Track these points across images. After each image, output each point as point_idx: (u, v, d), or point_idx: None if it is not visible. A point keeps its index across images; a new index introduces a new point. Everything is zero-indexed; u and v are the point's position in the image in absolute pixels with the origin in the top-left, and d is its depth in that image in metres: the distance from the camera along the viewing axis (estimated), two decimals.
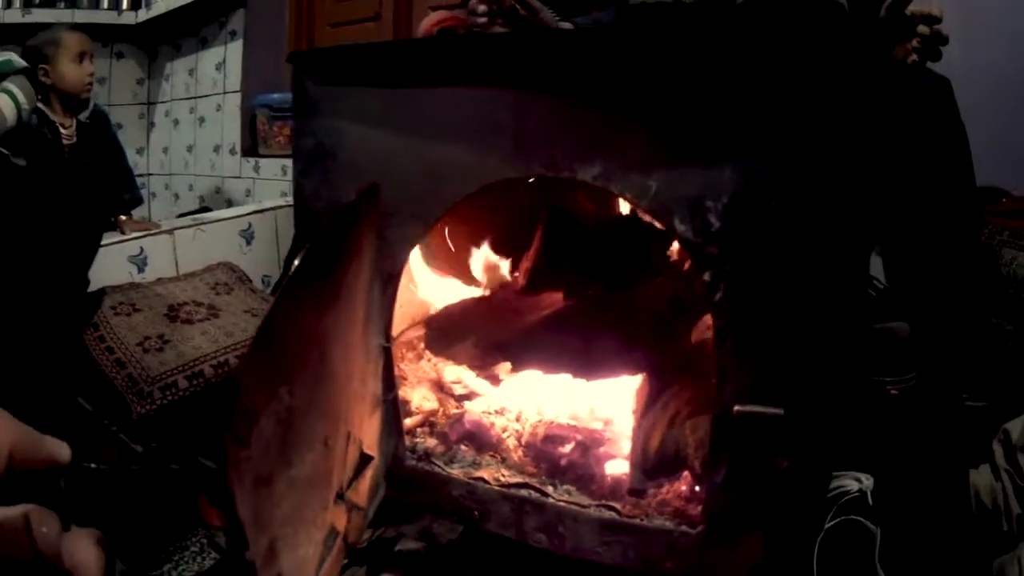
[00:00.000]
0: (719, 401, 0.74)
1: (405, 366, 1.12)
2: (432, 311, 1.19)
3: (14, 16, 3.64)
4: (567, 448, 0.97)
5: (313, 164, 0.98)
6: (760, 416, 0.70)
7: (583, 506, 0.89)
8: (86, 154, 2.48)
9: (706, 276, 0.70)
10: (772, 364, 0.71)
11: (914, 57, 1.23)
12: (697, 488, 0.84)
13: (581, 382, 1.01)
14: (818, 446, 0.73)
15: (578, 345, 0.99)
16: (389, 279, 0.95)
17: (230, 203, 3.62)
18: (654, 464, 0.86)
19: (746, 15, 0.98)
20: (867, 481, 0.94)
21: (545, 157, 0.80)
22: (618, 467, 0.93)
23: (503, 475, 0.98)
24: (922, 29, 1.18)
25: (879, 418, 1.25)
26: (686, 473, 0.85)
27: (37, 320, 1.60)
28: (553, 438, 0.99)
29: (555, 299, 1.09)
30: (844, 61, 0.64)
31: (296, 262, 0.71)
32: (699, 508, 0.81)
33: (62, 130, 2.40)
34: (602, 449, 0.97)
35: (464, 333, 1.08)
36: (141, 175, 4.18)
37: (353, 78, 0.96)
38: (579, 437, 0.98)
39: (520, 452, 1.01)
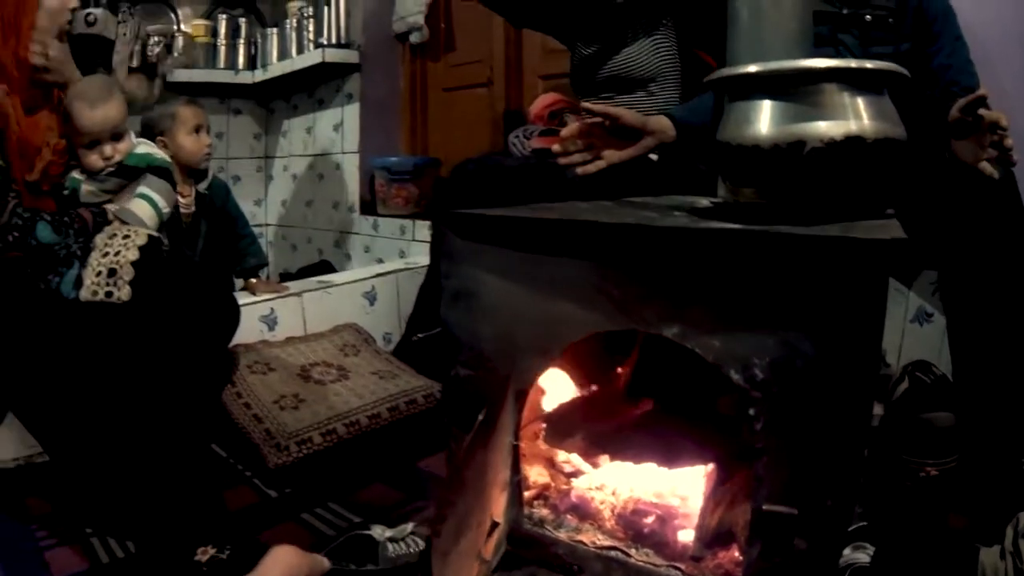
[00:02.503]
0: (755, 499, 1.11)
1: (525, 445, 1.51)
2: (550, 407, 1.58)
3: None
4: (649, 519, 1.36)
5: (457, 301, 1.37)
6: (782, 513, 1.08)
7: (657, 566, 1.29)
8: (206, 223, 2.70)
9: (751, 411, 1.08)
10: (795, 475, 1.07)
11: (985, 162, 1.52)
12: (741, 558, 1.21)
13: (664, 469, 1.41)
14: (830, 532, 1.09)
15: (664, 441, 1.40)
16: (519, 395, 1.35)
17: (349, 257, 4.07)
18: (712, 536, 1.25)
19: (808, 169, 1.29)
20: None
21: (638, 317, 1.17)
22: (687, 536, 1.32)
23: (598, 539, 1.37)
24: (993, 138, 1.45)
25: (901, 498, 1.59)
26: (735, 545, 1.23)
27: (184, 379, 1.83)
28: (639, 511, 1.39)
29: (647, 403, 1.51)
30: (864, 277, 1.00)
31: (480, 417, 1.13)
32: (741, 573, 1.19)
33: (180, 200, 2.54)
34: (676, 521, 1.36)
35: (574, 429, 1.49)
36: (259, 225, 4.72)
37: (490, 239, 1.34)
38: (659, 511, 1.38)
39: (613, 521, 1.40)
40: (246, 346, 2.53)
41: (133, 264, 1.80)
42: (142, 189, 2.14)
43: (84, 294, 1.80)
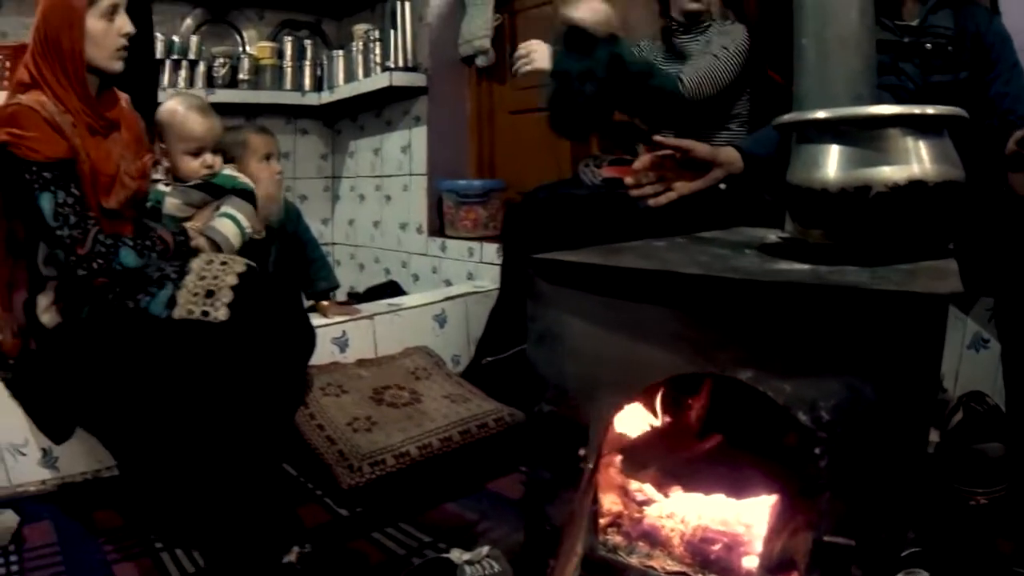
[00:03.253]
0: (817, 531, 1.17)
1: (601, 475, 1.58)
2: (625, 439, 1.65)
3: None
4: (716, 547, 1.43)
5: (543, 342, 1.44)
6: (840, 544, 1.15)
7: None
8: (277, 247, 2.72)
9: (816, 450, 1.15)
10: (853, 509, 1.14)
11: None
12: None
13: (732, 500, 1.48)
14: (885, 561, 1.15)
15: (731, 473, 1.47)
16: (600, 430, 1.43)
17: (416, 278, 4.18)
18: (775, 564, 1.31)
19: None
20: None
21: (715, 361, 1.24)
22: (751, 563, 1.38)
23: (668, 565, 1.44)
24: None
25: (952, 524, 1.65)
26: (795, 572, 1.29)
27: (263, 400, 1.90)
28: (707, 539, 1.46)
29: (716, 438, 1.59)
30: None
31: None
32: None
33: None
34: (741, 549, 1.42)
35: (647, 460, 1.56)
36: (326, 244, 4.84)
37: (573, 283, 1.41)
38: (725, 539, 1.44)
39: (682, 548, 1.47)
40: (319, 367, 2.62)
41: (232, 288, 1.88)
42: (227, 209, 2.25)
43: (179, 312, 1.88)
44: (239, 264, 1.96)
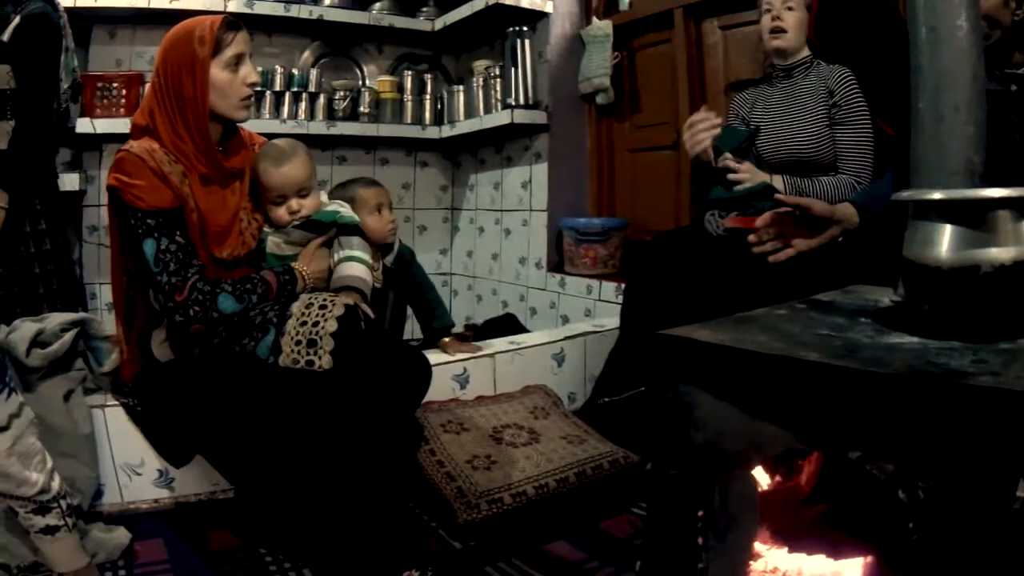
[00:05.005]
0: None
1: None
2: None
3: (319, 128, 4.41)
4: None
5: (675, 409, 1.56)
6: None
7: None
8: (394, 294, 2.79)
9: (910, 525, 1.25)
10: None
11: None
12: None
13: (830, 560, 1.58)
14: None
15: (832, 536, 1.58)
16: (721, 496, 1.55)
17: (534, 312, 4.29)
18: None
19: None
20: None
21: (829, 440, 1.35)
22: None
23: None
24: None
25: None
26: None
27: (376, 436, 1.96)
28: None
29: (822, 506, 1.70)
30: None
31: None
32: None
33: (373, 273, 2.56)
34: None
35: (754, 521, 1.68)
36: (444, 274, 5.02)
37: (700, 360, 1.49)
38: None
39: None
40: (440, 403, 2.75)
41: (333, 335, 1.94)
42: (345, 252, 2.30)
43: (284, 361, 1.95)
44: (338, 307, 1.99)
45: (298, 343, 1.94)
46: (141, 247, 2.05)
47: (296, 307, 2.02)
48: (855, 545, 1.53)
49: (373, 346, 2.01)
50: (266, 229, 2.31)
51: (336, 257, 2.31)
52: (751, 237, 2.11)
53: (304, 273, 2.21)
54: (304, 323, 1.96)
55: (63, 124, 3.09)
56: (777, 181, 2.59)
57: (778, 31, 2.66)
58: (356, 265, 2.28)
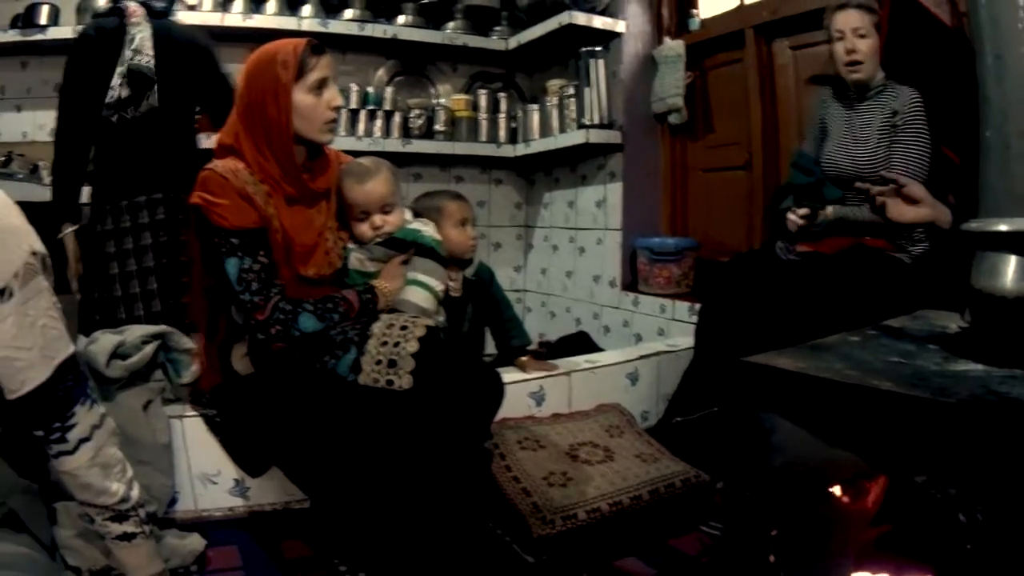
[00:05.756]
0: None
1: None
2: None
3: (394, 145, 4.53)
4: None
5: (757, 435, 1.62)
6: None
7: None
8: (472, 307, 2.82)
9: (968, 546, 1.29)
10: None
11: None
12: None
13: None
14: None
15: (896, 557, 1.63)
16: (796, 517, 1.61)
17: (607, 330, 4.33)
18: None
19: None
20: None
21: (897, 466, 1.41)
22: None
23: None
24: None
25: None
26: None
27: (446, 450, 1.97)
28: None
29: (886, 527, 1.75)
30: None
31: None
32: None
33: (450, 283, 2.62)
34: None
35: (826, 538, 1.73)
36: (518, 291, 5.08)
37: (780, 388, 1.57)
38: None
39: None
40: (516, 421, 2.81)
41: (413, 355, 1.96)
42: (412, 275, 2.30)
43: (364, 380, 1.98)
44: (419, 328, 2.02)
45: (378, 362, 1.98)
46: (224, 265, 2.07)
47: (377, 327, 2.05)
48: (916, 566, 1.57)
49: (450, 365, 2.03)
50: (350, 245, 2.33)
51: (409, 267, 2.33)
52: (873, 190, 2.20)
53: (384, 290, 2.22)
54: (385, 343, 2.00)
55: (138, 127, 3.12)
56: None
57: (854, 64, 2.70)
58: (418, 291, 2.29)
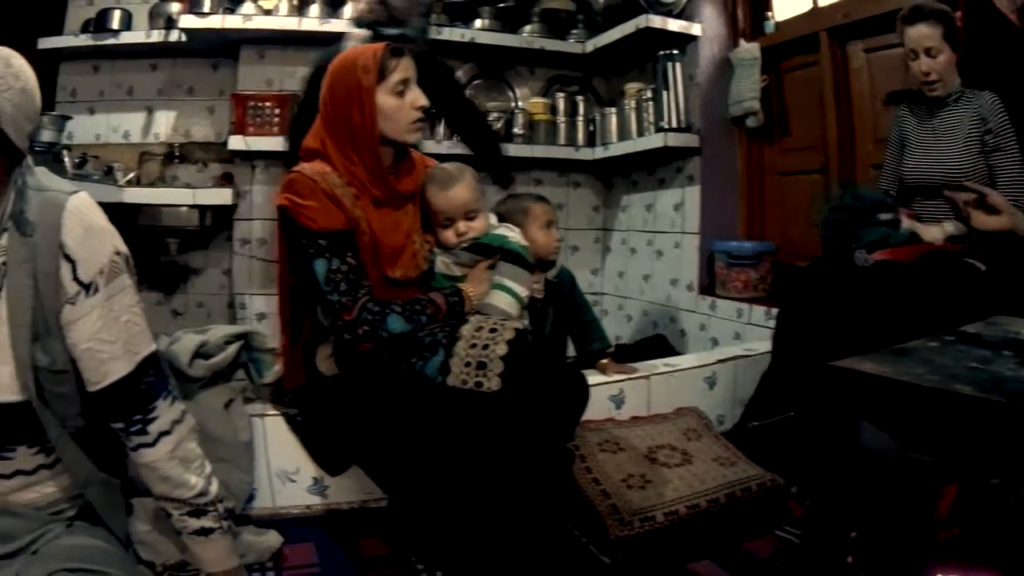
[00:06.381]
0: None
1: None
2: None
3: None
4: None
5: (841, 438, 1.67)
6: None
7: None
8: (554, 309, 2.87)
9: None
10: None
11: None
12: None
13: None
14: None
15: (966, 558, 1.67)
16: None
17: (683, 334, 4.36)
18: None
19: None
20: None
21: (974, 468, 1.46)
22: None
23: None
24: None
25: None
26: None
27: (531, 453, 1.97)
28: None
29: (957, 529, 1.78)
30: None
31: None
32: None
33: (534, 287, 2.63)
34: None
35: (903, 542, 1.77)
36: (595, 293, 5.12)
37: (864, 392, 1.62)
38: None
39: None
40: (596, 423, 2.86)
41: (502, 358, 1.98)
42: (498, 280, 2.31)
43: (452, 381, 2.01)
44: (508, 331, 2.04)
45: (467, 364, 2.00)
46: (312, 266, 2.09)
47: (466, 330, 2.08)
48: (986, 567, 1.61)
49: (538, 368, 2.04)
50: (435, 250, 2.35)
51: (494, 272, 2.34)
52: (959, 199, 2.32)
53: (470, 295, 2.23)
54: (474, 345, 2.03)
55: None
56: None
57: (931, 83, 2.73)
58: (504, 295, 2.29)
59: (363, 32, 3.25)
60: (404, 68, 2.20)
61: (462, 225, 2.32)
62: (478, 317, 2.16)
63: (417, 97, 2.22)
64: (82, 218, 1.63)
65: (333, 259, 2.08)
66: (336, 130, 2.19)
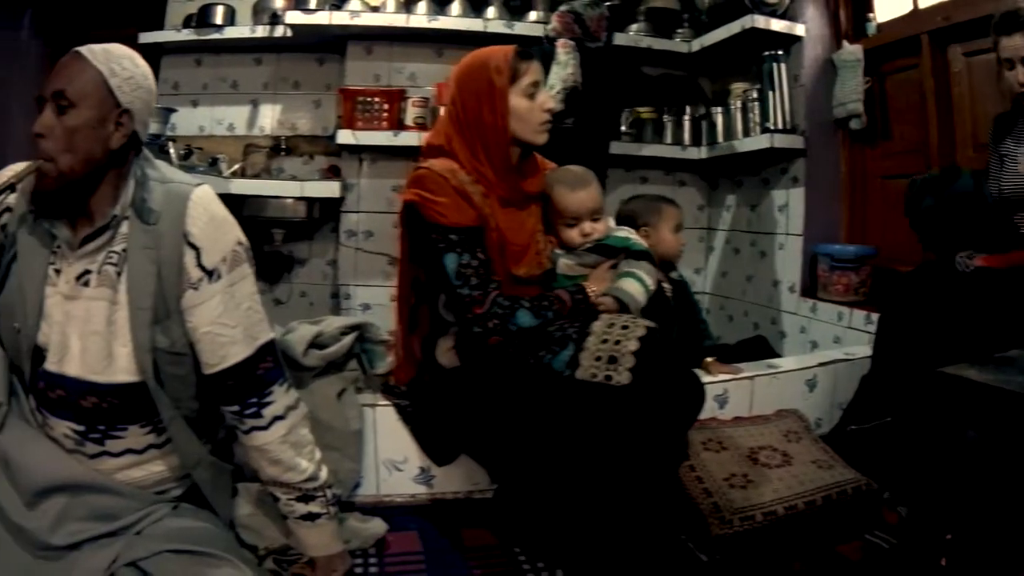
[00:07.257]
0: None
1: None
2: None
3: None
4: None
5: (943, 442, 1.73)
6: None
7: None
8: (680, 309, 2.96)
9: None
10: None
11: None
12: None
13: None
14: None
15: None
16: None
17: (783, 335, 4.39)
18: None
19: None
20: None
21: None
22: None
23: None
24: None
25: None
26: None
27: (651, 452, 1.98)
28: None
29: None
30: None
31: None
32: None
33: (665, 286, 2.76)
34: None
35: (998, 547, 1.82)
36: (698, 293, 5.08)
37: (967, 399, 1.67)
38: None
39: None
40: (701, 422, 2.85)
41: (633, 353, 1.97)
42: (629, 268, 2.34)
43: (582, 374, 2.01)
44: (640, 328, 2.03)
45: (598, 359, 2.01)
46: (441, 260, 2.15)
47: (598, 325, 2.09)
48: None
49: (666, 366, 2.04)
50: (557, 250, 2.40)
51: (619, 269, 2.37)
52: None
53: (594, 293, 2.26)
54: (605, 340, 2.03)
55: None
56: None
57: None
58: (635, 284, 2.30)
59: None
60: (535, 71, 2.28)
61: (587, 226, 2.38)
62: (609, 315, 2.18)
63: (547, 99, 2.29)
64: (207, 208, 1.77)
65: (464, 254, 2.14)
66: (466, 130, 2.25)
